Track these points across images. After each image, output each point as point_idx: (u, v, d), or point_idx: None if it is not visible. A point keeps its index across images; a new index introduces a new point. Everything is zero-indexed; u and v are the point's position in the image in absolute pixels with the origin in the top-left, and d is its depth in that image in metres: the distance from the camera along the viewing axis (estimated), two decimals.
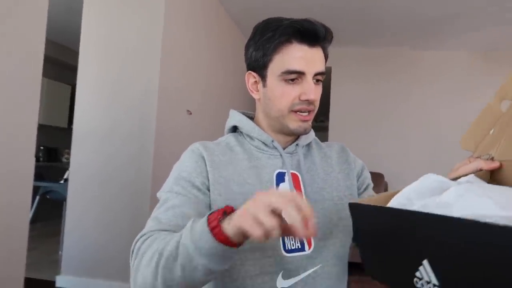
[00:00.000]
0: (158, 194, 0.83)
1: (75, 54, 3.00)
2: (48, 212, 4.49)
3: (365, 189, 0.96)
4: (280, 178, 0.85)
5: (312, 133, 0.95)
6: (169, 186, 0.81)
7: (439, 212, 0.45)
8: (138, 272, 0.66)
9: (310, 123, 0.84)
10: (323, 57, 0.83)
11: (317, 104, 0.84)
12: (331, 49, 0.88)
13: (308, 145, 0.94)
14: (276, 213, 0.52)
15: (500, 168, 0.65)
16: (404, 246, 0.45)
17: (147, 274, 0.63)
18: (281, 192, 0.54)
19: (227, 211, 0.58)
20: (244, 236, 0.55)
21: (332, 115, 4.96)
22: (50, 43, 5.04)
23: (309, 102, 0.81)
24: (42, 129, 4.33)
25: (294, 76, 0.79)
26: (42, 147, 4.95)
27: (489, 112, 0.70)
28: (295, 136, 0.90)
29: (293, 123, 0.83)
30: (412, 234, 0.43)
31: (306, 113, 0.82)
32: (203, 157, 0.84)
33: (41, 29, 1.82)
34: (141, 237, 0.73)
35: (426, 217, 0.41)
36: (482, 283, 0.34)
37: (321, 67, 0.81)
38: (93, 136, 2.75)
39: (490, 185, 0.58)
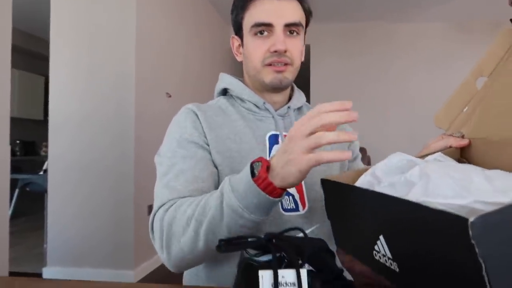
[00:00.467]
0: (158, 160, 0.81)
1: (46, 43, 2.90)
2: (30, 206, 4.40)
3: (354, 159, 0.97)
4: (273, 140, 0.85)
5: (303, 97, 0.95)
6: (171, 149, 0.79)
7: (404, 189, 0.48)
8: (171, 244, 0.66)
9: (286, 75, 0.83)
10: (298, 8, 0.82)
11: (293, 56, 0.82)
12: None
13: (299, 109, 0.94)
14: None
15: (469, 145, 0.66)
16: (365, 222, 0.48)
17: (184, 243, 0.64)
18: (301, 120, 0.55)
19: (267, 165, 0.58)
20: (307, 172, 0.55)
21: (313, 92, 4.97)
22: (20, 33, 4.86)
23: (279, 53, 0.79)
24: (17, 122, 4.23)
25: (262, 29, 0.79)
26: (18, 141, 4.82)
27: (464, 90, 0.71)
28: (279, 92, 0.88)
29: (268, 76, 0.82)
30: (371, 211, 0.46)
31: (281, 65, 0.81)
32: (197, 117, 0.83)
33: (7, 17, 1.75)
34: (159, 208, 0.72)
35: (382, 197, 0.43)
36: (424, 256, 0.36)
37: (291, 18, 0.79)
38: (70, 124, 2.69)
39: (455, 164, 0.59)
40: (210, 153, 0.80)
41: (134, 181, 2.61)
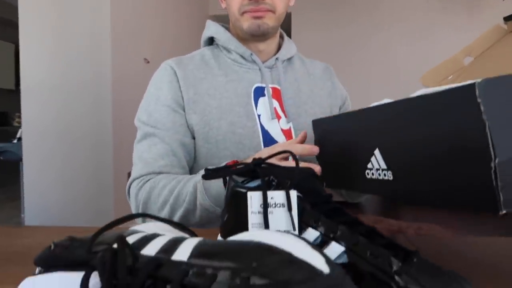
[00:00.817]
0: (136, 123, 0.83)
1: (15, 9, 2.74)
2: (5, 178, 4.30)
3: None
4: (259, 92, 0.83)
5: (293, 48, 0.93)
6: (148, 113, 0.81)
7: None
8: (146, 218, 0.74)
9: (266, 21, 0.81)
10: None
11: (274, 2, 0.80)
12: None
13: (290, 60, 0.92)
14: None
15: None
16: (358, 145, 0.51)
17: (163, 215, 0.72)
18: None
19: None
20: None
21: None
22: None
23: (256, 1, 0.78)
24: None
25: None
26: None
27: (452, 62, 0.80)
28: (263, 41, 0.86)
29: (246, 23, 0.81)
30: (365, 129, 0.49)
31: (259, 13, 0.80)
32: (176, 75, 0.82)
33: None
34: (133, 180, 0.78)
35: (375, 109, 0.47)
36: (424, 147, 0.39)
37: None
38: (43, 90, 2.58)
39: None
40: (185, 116, 0.80)
41: (113, 148, 2.56)
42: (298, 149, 0.60)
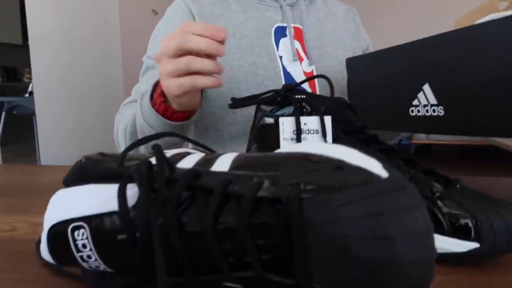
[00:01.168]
0: (143, 59, 0.81)
1: None
2: (19, 133, 4.36)
3: None
4: (280, 32, 0.79)
5: None
6: (154, 48, 0.79)
7: None
8: (120, 146, 0.73)
9: None
10: None
11: None
12: None
13: None
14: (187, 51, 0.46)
15: None
16: (401, 82, 0.47)
17: (123, 143, 0.71)
18: (169, 35, 0.47)
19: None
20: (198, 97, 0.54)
21: None
22: None
23: None
24: None
25: None
26: None
27: (488, 7, 0.77)
28: None
29: None
30: (412, 64, 0.45)
31: None
32: (190, 11, 0.77)
33: None
34: (122, 106, 0.78)
35: (424, 42, 0.43)
36: (479, 87, 0.37)
37: None
38: (52, 44, 2.53)
39: None
40: None
41: (124, 98, 2.55)
42: (199, 43, 0.45)
